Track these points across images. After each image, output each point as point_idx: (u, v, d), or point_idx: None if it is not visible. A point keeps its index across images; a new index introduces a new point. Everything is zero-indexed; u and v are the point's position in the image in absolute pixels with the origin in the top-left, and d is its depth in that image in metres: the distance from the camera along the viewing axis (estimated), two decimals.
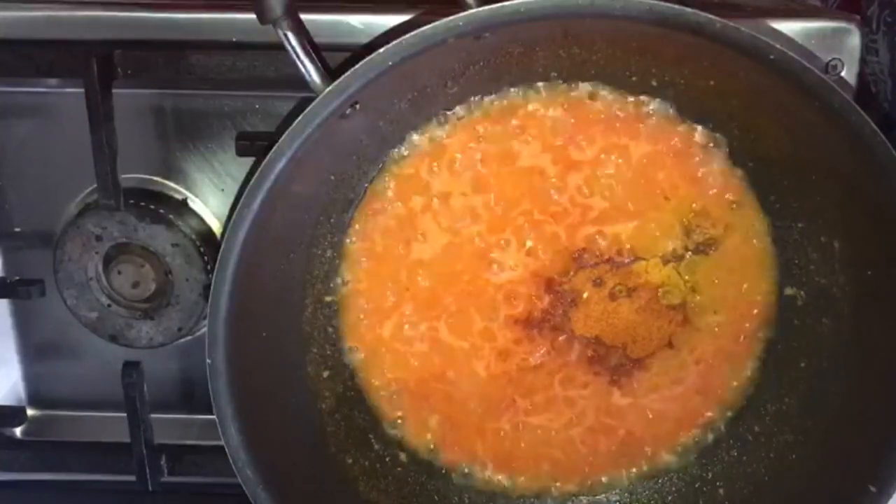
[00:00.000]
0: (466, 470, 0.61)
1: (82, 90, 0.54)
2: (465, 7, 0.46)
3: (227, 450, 0.51)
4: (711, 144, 0.55)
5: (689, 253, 0.57)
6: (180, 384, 0.64)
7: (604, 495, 0.61)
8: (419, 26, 0.45)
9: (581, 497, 0.61)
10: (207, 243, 0.59)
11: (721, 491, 0.60)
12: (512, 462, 0.61)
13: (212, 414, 0.51)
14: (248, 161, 0.56)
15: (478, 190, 0.56)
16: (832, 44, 0.53)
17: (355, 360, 0.59)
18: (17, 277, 0.61)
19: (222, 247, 0.48)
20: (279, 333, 0.55)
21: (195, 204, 0.60)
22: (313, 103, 0.47)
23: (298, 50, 0.48)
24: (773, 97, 0.49)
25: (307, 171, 0.51)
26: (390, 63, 0.46)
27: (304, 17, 0.49)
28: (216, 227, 0.60)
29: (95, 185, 0.56)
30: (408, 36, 0.45)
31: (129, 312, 0.59)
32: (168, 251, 0.58)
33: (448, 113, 0.55)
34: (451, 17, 0.45)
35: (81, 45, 0.54)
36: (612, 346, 0.58)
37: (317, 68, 0.48)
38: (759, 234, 0.56)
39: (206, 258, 0.58)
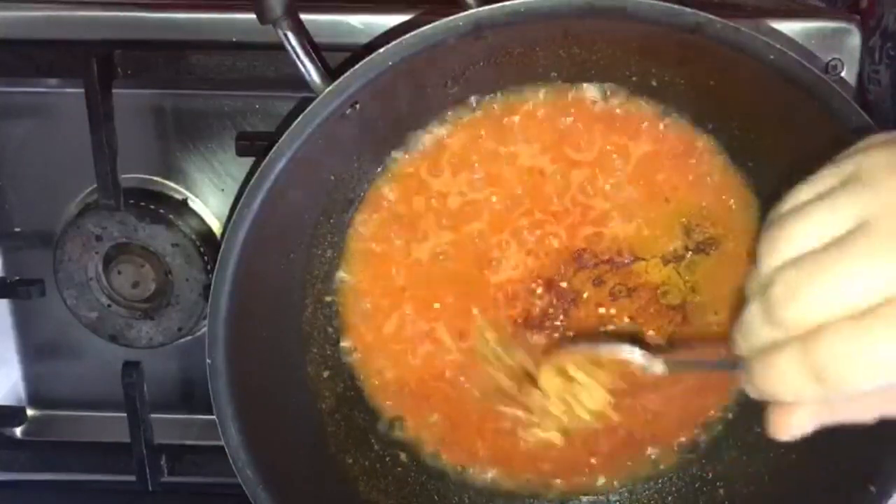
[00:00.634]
0: (466, 470, 0.61)
1: (82, 90, 0.54)
2: (465, 7, 0.46)
3: (227, 450, 0.51)
4: (711, 144, 0.55)
5: (689, 253, 0.57)
6: (180, 384, 0.64)
7: (604, 495, 0.61)
8: (419, 26, 0.45)
9: (581, 497, 0.61)
10: (207, 243, 0.59)
11: (721, 491, 0.60)
12: (512, 462, 0.61)
13: (212, 414, 0.51)
14: (248, 161, 0.56)
15: (478, 190, 0.56)
16: (832, 44, 0.53)
17: (355, 360, 0.59)
18: (17, 277, 0.61)
19: (222, 247, 0.48)
20: (279, 333, 0.56)
21: (195, 204, 0.60)
22: (313, 103, 0.47)
23: (298, 50, 0.48)
24: (773, 97, 0.49)
25: (307, 171, 0.51)
26: (390, 63, 0.46)
27: (304, 17, 0.49)
28: (216, 227, 0.60)
29: (95, 185, 0.56)
30: (408, 36, 0.45)
31: (129, 312, 0.59)
32: (168, 251, 0.58)
33: (448, 113, 0.55)
34: (451, 17, 0.45)
35: (81, 45, 0.54)
36: None
37: (317, 68, 0.48)
38: (759, 234, 0.56)
39: (206, 258, 0.58)
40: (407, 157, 0.56)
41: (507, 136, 0.55)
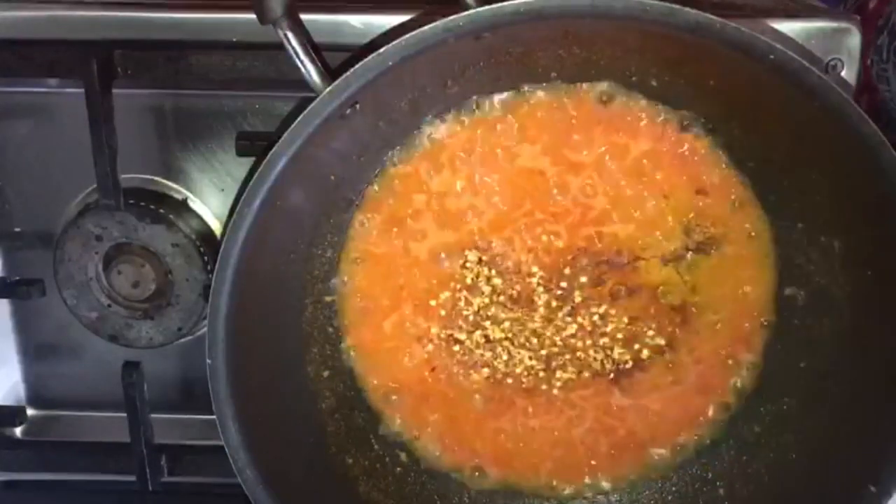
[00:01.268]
0: (466, 470, 0.61)
1: (82, 90, 0.54)
2: (465, 7, 0.46)
3: (227, 450, 0.51)
4: (711, 144, 0.55)
5: (689, 253, 0.57)
6: (180, 384, 0.64)
7: (604, 495, 0.61)
8: (419, 26, 0.45)
9: (581, 497, 0.61)
10: (207, 243, 0.59)
11: (721, 491, 0.60)
12: (512, 462, 0.61)
13: (212, 414, 0.51)
14: (248, 161, 0.56)
15: (478, 190, 0.56)
16: (832, 44, 0.53)
17: (355, 360, 0.59)
18: (17, 277, 0.61)
19: (222, 247, 0.48)
20: (279, 333, 0.55)
21: (195, 204, 0.60)
22: (313, 103, 0.47)
23: (298, 50, 0.48)
24: (773, 97, 0.49)
25: (307, 172, 0.51)
26: (390, 63, 0.46)
27: (304, 17, 0.49)
28: (216, 227, 0.60)
29: (95, 185, 0.56)
30: (408, 36, 0.45)
31: (129, 312, 0.59)
32: (168, 251, 0.58)
33: (448, 113, 0.55)
34: (451, 17, 0.45)
35: (81, 45, 0.54)
36: (613, 346, 0.58)
37: (317, 68, 0.48)
38: (759, 234, 0.56)
39: (206, 258, 0.58)
40: (407, 156, 0.56)
41: (506, 136, 0.55)
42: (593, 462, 0.61)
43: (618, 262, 0.57)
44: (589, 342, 0.58)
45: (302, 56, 0.48)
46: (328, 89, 0.46)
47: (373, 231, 0.57)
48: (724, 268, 0.57)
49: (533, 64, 0.53)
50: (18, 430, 0.65)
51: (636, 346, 0.58)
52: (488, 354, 0.58)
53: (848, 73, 0.53)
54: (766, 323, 0.58)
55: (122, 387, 0.59)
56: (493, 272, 0.57)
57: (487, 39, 0.47)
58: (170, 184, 0.60)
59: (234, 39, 0.54)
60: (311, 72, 0.48)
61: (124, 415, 0.60)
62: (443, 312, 0.58)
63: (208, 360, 0.50)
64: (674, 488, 0.61)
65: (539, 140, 0.55)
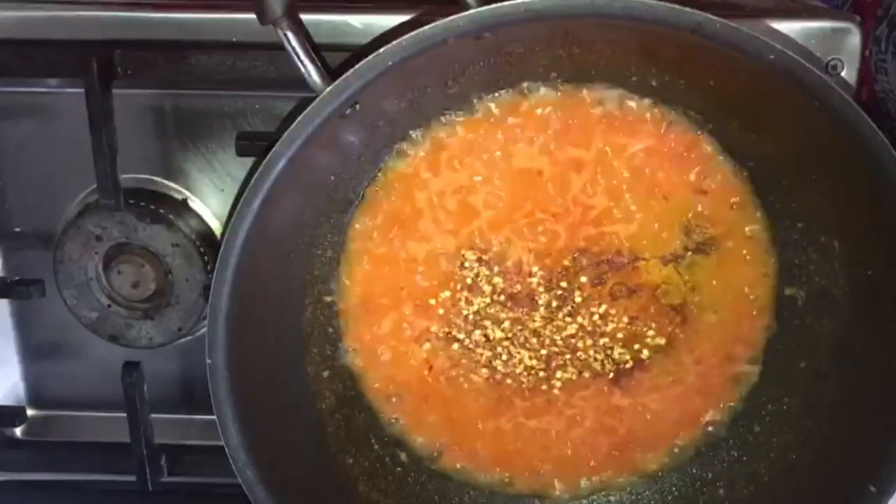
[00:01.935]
0: (466, 470, 0.61)
1: (82, 90, 0.54)
2: (465, 7, 0.46)
3: (227, 450, 0.51)
4: (711, 144, 0.55)
5: (689, 253, 0.57)
6: (180, 384, 0.64)
7: (604, 495, 0.61)
8: (419, 26, 0.45)
9: (581, 497, 0.61)
10: (207, 243, 0.59)
11: (721, 491, 0.60)
12: (512, 462, 0.61)
13: (212, 414, 0.51)
14: (248, 161, 0.56)
15: (478, 190, 0.56)
16: (832, 44, 0.53)
17: (355, 360, 0.59)
18: (17, 277, 0.61)
19: (222, 247, 0.48)
20: (279, 333, 0.55)
21: (195, 204, 0.60)
22: (313, 103, 0.47)
23: (298, 50, 0.48)
24: (772, 97, 0.49)
25: (307, 172, 0.51)
26: (390, 63, 0.46)
27: (304, 17, 0.49)
28: (216, 227, 0.60)
29: (95, 185, 0.56)
30: (408, 36, 0.45)
31: (129, 312, 0.59)
32: (168, 251, 0.58)
33: (448, 113, 0.55)
34: (451, 17, 0.45)
35: (81, 45, 0.54)
36: (613, 346, 0.58)
37: (317, 68, 0.48)
38: (759, 234, 0.56)
39: (206, 258, 0.58)
40: (407, 156, 0.56)
41: (506, 136, 0.55)
42: (593, 462, 0.61)
43: (618, 262, 0.57)
44: (589, 342, 0.58)
45: (302, 56, 0.48)
46: (328, 89, 0.46)
47: (373, 231, 0.57)
48: (724, 268, 0.57)
49: (533, 64, 0.53)
50: (18, 430, 0.65)
51: (636, 346, 0.58)
52: (488, 354, 0.58)
53: (848, 73, 0.53)
54: (766, 323, 0.58)
55: (122, 387, 0.59)
56: (493, 272, 0.57)
57: (487, 39, 0.47)
58: (170, 184, 0.60)
59: (234, 39, 0.54)
60: (311, 72, 0.48)
61: (124, 415, 0.60)
62: (442, 312, 0.58)
63: (208, 360, 0.50)
64: (674, 488, 0.61)
65: (539, 140, 0.55)
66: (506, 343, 0.58)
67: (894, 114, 0.71)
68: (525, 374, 0.59)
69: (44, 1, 0.56)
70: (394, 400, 0.60)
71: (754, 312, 0.58)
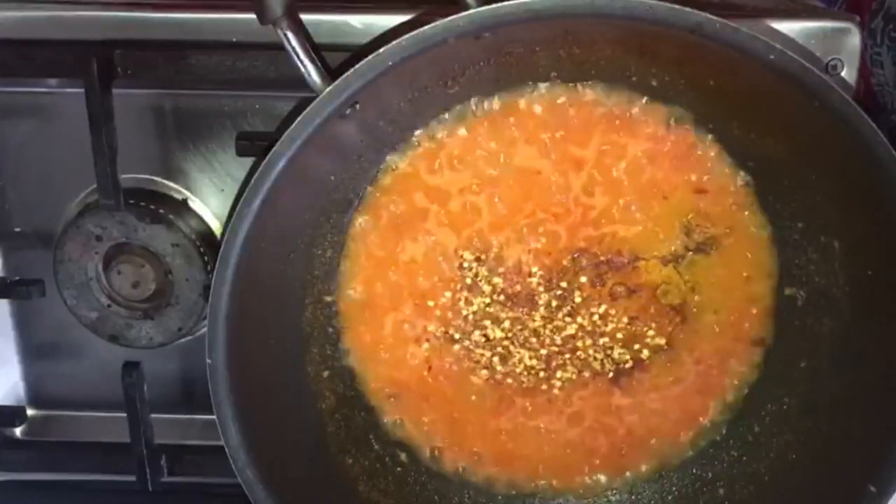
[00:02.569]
0: (466, 470, 0.61)
1: (82, 90, 0.54)
2: (465, 7, 0.46)
3: (227, 450, 0.51)
4: (711, 144, 0.55)
5: (689, 253, 0.57)
6: (180, 384, 0.64)
7: (604, 495, 0.61)
8: (419, 26, 0.45)
9: (581, 497, 0.61)
10: (207, 243, 0.59)
11: (721, 491, 0.60)
12: (512, 462, 0.61)
13: (212, 414, 0.51)
14: (248, 161, 0.56)
15: (478, 190, 0.56)
16: (832, 44, 0.53)
17: (355, 360, 0.59)
18: (17, 277, 0.61)
19: (222, 247, 0.48)
20: (279, 333, 0.55)
21: (195, 204, 0.60)
22: (313, 103, 0.47)
23: (298, 50, 0.48)
24: (772, 97, 0.49)
25: (307, 172, 0.51)
26: (390, 63, 0.46)
27: (304, 17, 0.49)
28: (216, 227, 0.60)
29: (95, 185, 0.56)
30: (408, 36, 0.45)
31: (129, 312, 0.59)
32: (168, 251, 0.58)
33: (448, 113, 0.55)
34: (451, 17, 0.45)
35: (81, 45, 0.54)
36: (613, 346, 0.58)
37: (317, 68, 0.48)
38: (759, 234, 0.56)
39: (206, 258, 0.58)
40: (407, 157, 0.56)
41: (507, 136, 0.55)
42: (593, 462, 0.61)
43: (618, 262, 0.57)
44: (589, 342, 0.58)
45: (302, 56, 0.48)
46: (328, 89, 0.46)
47: (373, 231, 0.57)
48: (724, 268, 0.57)
49: (533, 64, 0.53)
50: (18, 430, 0.65)
51: (636, 346, 0.58)
52: (488, 354, 0.58)
53: (848, 73, 0.53)
54: (766, 323, 0.58)
55: (122, 387, 0.59)
56: (493, 272, 0.57)
57: (487, 39, 0.47)
58: (170, 184, 0.60)
59: (234, 39, 0.54)
60: (311, 72, 0.48)
61: (124, 415, 0.60)
62: (442, 312, 0.58)
63: (208, 360, 0.50)
64: (674, 488, 0.61)
65: (539, 140, 0.55)
66: (506, 343, 0.58)
67: (890, 107, 0.71)
68: (525, 373, 0.59)
69: (44, 1, 0.56)
70: (394, 400, 0.60)
71: (754, 312, 0.58)
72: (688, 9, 0.45)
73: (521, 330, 0.58)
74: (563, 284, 0.57)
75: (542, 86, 0.54)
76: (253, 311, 0.52)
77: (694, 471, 0.60)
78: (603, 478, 0.61)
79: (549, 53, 0.52)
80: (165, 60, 0.55)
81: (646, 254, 0.57)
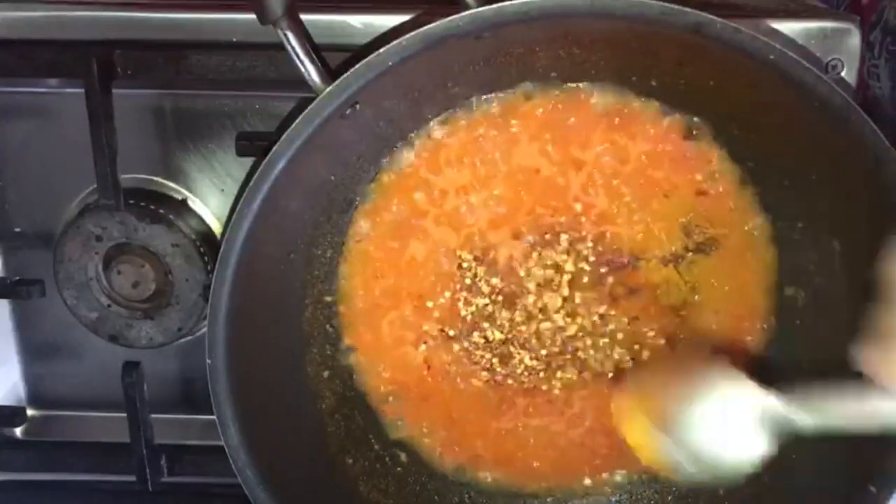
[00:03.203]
0: (466, 470, 0.61)
1: (82, 90, 0.54)
2: (465, 7, 0.46)
3: (227, 450, 0.51)
4: (711, 144, 0.55)
5: (689, 253, 0.57)
6: (180, 384, 0.64)
7: (604, 495, 0.61)
8: (419, 26, 0.45)
9: (581, 497, 0.61)
10: (207, 243, 0.59)
11: (721, 491, 0.59)
12: (512, 462, 0.61)
13: (212, 414, 0.51)
14: (248, 161, 0.56)
15: (478, 190, 0.56)
16: (832, 44, 0.53)
17: (355, 360, 0.59)
18: (17, 277, 0.61)
19: (222, 247, 0.48)
20: (279, 333, 0.56)
21: (195, 204, 0.60)
22: (313, 103, 0.47)
23: (298, 50, 0.48)
24: (772, 97, 0.49)
25: (307, 172, 0.51)
26: (390, 63, 0.46)
27: (304, 17, 0.49)
28: (216, 227, 0.60)
29: (95, 185, 0.56)
30: (408, 36, 0.45)
31: (129, 312, 0.59)
32: (168, 251, 0.58)
33: (448, 113, 0.55)
34: (451, 17, 0.45)
35: (81, 45, 0.54)
36: (613, 346, 0.58)
37: (317, 68, 0.48)
38: (759, 234, 0.56)
39: (206, 258, 0.58)
40: (407, 157, 0.56)
41: (507, 136, 0.55)
42: (593, 462, 0.61)
43: (618, 262, 0.57)
44: (589, 342, 0.58)
45: (302, 56, 0.48)
46: (328, 89, 0.46)
47: (373, 231, 0.57)
48: (724, 268, 0.57)
49: (533, 64, 0.53)
50: (18, 430, 0.65)
51: (636, 346, 0.58)
52: (488, 355, 0.58)
53: (848, 74, 0.53)
54: (766, 323, 0.58)
55: (122, 387, 0.59)
56: (492, 272, 0.57)
57: (487, 39, 0.47)
58: (170, 184, 0.60)
59: (234, 39, 0.54)
60: (311, 72, 0.48)
61: (124, 415, 0.60)
62: (441, 313, 0.58)
63: (208, 360, 0.50)
64: (674, 488, 0.61)
65: (539, 140, 0.55)
66: (506, 344, 0.58)
67: (888, 118, 0.71)
68: (525, 374, 0.59)
69: (44, 1, 0.55)
70: (393, 400, 0.60)
71: (754, 312, 0.58)
72: (688, 9, 0.45)
73: (520, 331, 0.58)
74: (563, 285, 0.57)
75: (543, 86, 0.54)
76: (253, 311, 0.52)
77: None
78: (603, 478, 0.61)
79: (549, 53, 0.52)
80: (165, 60, 0.55)
81: (646, 254, 0.57)
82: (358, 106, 0.48)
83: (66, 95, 0.58)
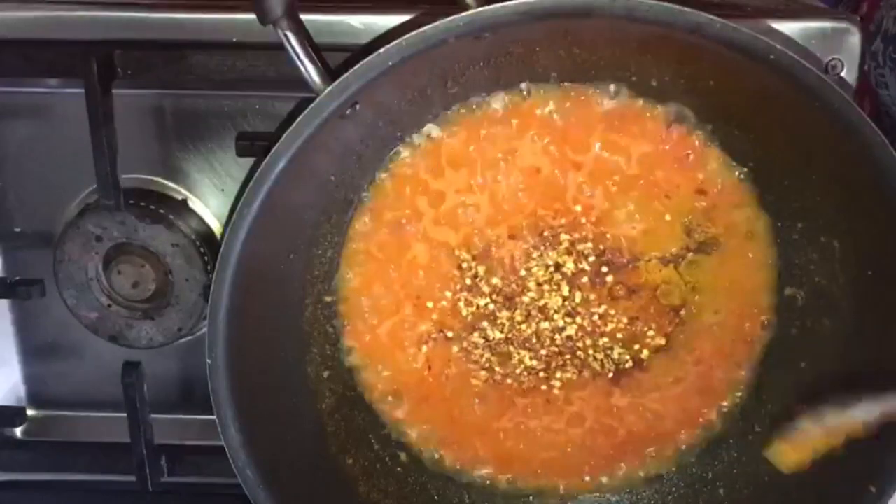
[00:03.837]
0: (466, 470, 0.61)
1: (82, 90, 0.54)
2: (465, 7, 0.46)
3: (227, 450, 0.51)
4: (711, 144, 0.55)
5: (690, 253, 0.57)
6: (180, 384, 0.64)
7: (604, 495, 0.61)
8: (419, 26, 0.45)
9: (581, 497, 0.61)
10: (207, 243, 0.59)
11: (721, 491, 0.60)
12: (512, 462, 0.61)
13: (212, 414, 0.51)
14: (248, 161, 0.56)
15: (478, 190, 0.56)
16: (832, 44, 0.53)
17: (355, 361, 0.59)
18: (17, 277, 0.61)
19: (222, 247, 0.48)
20: (279, 333, 0.56)
21: (195, 204, 0.60)
22: (313, 103, 0.47)
23: (298, 50, 0.48)
24: (773, 97, 0.49)
25: (307, 172, 0.51)
26: (390, 63, 0.46)
27: (304, 17, 0.49)
28: (216, 227, 0.60)
29: (95, 185, 0.56)
30: (408, 36, 0.45)
31: (130, 313, 0.59)
32: (168, 251, 0.58)
33: (448, 113, 0.55)
34: (451, 17, 0.45)
35: (81, 45, 0.54)
36: (613, 346, 0.58)
37: (317, 68, 0.48)
38: (759, 234, 0.56)
39: (206, 258, 0.58)
40: (407, 157, 0.56)
41: (507, 136, 0.55)
42: (593, 462, 0.61)
43: (618, 262, 0.57)
44: (589, 342, 0.58)
45: (302, 56, 0.48)
46: (328, 89, 0.46)
47: (373, 231, 0.57)
48: (725, 268, 0.57)
49: (533, 64, 0.53)
50: (18, 430, 0.65)
51: (636, 346, 0.58)
52: (488, 355, 0.58)
53: (848, 74, 0.53)
54: (766, 323, 0.58)
55: (122, 387, 0.59)
56: (493, 272, 0.57)
57: (487, 39, 0.47)
58: (170, 184, 0.60)
59: (234, 39, 0.54)
60: (311, 72, 0.48)
61: (124, 415, 0.60)
62: (441, 313, 0.58)
63: (208, 360, 0.50)
64: (674, 488, 0.61)
65: (539, 140, 0.55)
66: (505, 343, 0.58)
67: None
68: (525, 374, 0.59)
69: (44, 1, 0.55)
70: (393, 400, 0.60)
71: (754, 312, 0.58)
72: (688, 9, 0.45)
73: (520, 331, 0.58)
74: (563, 285, 0.57)
75: (543, 86, 0.54)
76: (253, 312, 0.52)
77: (694, 471, 0.60)
78: (603, 478, 0.61)
79: (549, 53, 0.52)
80: (165, 60, 0.55)
81: (646, 254, 0.57)
82: (358, 106, 0.48)
83: (66, 95, 0.58)
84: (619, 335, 0.58)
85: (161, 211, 0.58)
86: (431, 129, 0.55)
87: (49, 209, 0.60)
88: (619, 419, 0.60)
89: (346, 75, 0.46)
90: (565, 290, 0.57)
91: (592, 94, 0.54)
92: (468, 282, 0.57)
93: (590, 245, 0.56)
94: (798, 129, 0.51)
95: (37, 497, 0.65)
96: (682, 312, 0.58)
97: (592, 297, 0.57)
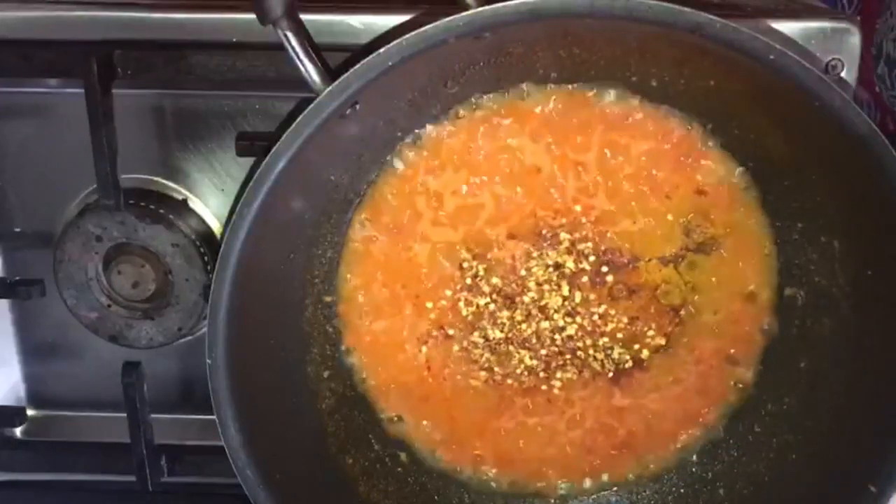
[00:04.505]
0: (466, 470, 0.61)
1: (82, 90, 0.54)
2: (465, 7, 0.46)
3: (227, 450, 0.51)
4: (711, 144, 0.55)
5: (690, 253, 0.57)
6: (180, 384, 0.64)
7: (604, 495, 0.61)
8: (419, 26, 0.45)
9: (581, 497, 0.61)
10: (207, 243, 0.59)
11: (721, 491, 0.60)
12: (512, 462, 0.61)
13: (212, 414, 0.51)
14: (248, 161, 0.56)
15: (477, 190, 0.56)
16: (832, 44, 0.53)
17: (355, 360, 0.59)
18: (17, 277, 0.61)
19: (222, 247, 0.48)
20: (279, 333, 0.56)
21: (195, 204, 0.60)
22: (313, 103, 0.47)
23: (298, 50, 0.48)
24: (773, 97, 0.49)
25: (307, 172, 0.51)
26: (390, 63, 0.46)
27: (304, 17, 0.49)
28: (216, 227, 0.60)
29: (95, 185, 0.56)
30: (408, 36, 0.45)
31: (129, 313, 0.59)
32: (168, 251, 0.58)
33: (448, 113, 0.55)
34: (451, 17, 0.45)
35: (81, 45, 0.54)
36: (613, 346, 0.58)
37: (317, 68, 0.48)
38: (759, 233, 0.56)
39: (206, 258, 0.58)
40: (407, 156, 0.56)
41: (507, 136, 0.55)
42: (593, 462, 0.61)
43: (618, 261, 0.57)
44: (589, 342, 0.58)
45: (302, 56, 0.48)
46: (328, 89, 0.46)
47: (373, 231, 0.57)
48: (724, 268, 0.57)
49: (533, 64, 0.53)
50: (18, 430, 0.65)
51: (636, 346, 0.58)
52: (488, 355, 0.58)
53: (848, 74, 0.53)
54: (766, 323, 0.58)
55: (122, 387, 0.59)
56: (493, 272, 0.57)
57: (487, 39, 0.47)
58: (170, 184, 0.60)
59: (234, 39, 0.54)
60: (311, 72, 0.48)
61: (124, 415, 0.60)
62: (441, 313, 0.58)
63: (208, 360, 0.50)
64: (674, 488, 0.61)
65: (539, 140, 0.55)
66: (505, 343, 0.58)
67: None
68: (525, 374, 0.59)
69: (44, 1, 0.55)
70: (394, 400, 0.60)
71: (754, 312, 0.58)
72: (688, 9, 0.45)
73: (520, 330, 0.58)
74: (563, 284, 0.57)
75: (543, 86, 0.54)
76: (253, 312, 0.52)
77: (694, 471, 0.61)
78: (603, 478, 0.61)
79: (549, 53, 0.52)
80: (165, 60, 0.55)
81: (646, 254, 0.57)
82: (358, 106, 0.48)
83: (66, 95, 0.58)
84: (619, 335, 0.58)
85: (161, 211, 0.58)
86: (432, 129, 0.55)
87: (49, 209, 0.60)
88: (619, 419, 0.60)
89: (346, 75, 0.46)
90: (565, 289, 0.57)
91: (592, 94, 0.54)
92: (468, 281, 0.57)
93: (590, 245, 0.56)
94: (798, 129, 0.51)
95: (37, 497, 0.65)
96: (682, 312, 0.58)
97: (592, 296, 0.57)
